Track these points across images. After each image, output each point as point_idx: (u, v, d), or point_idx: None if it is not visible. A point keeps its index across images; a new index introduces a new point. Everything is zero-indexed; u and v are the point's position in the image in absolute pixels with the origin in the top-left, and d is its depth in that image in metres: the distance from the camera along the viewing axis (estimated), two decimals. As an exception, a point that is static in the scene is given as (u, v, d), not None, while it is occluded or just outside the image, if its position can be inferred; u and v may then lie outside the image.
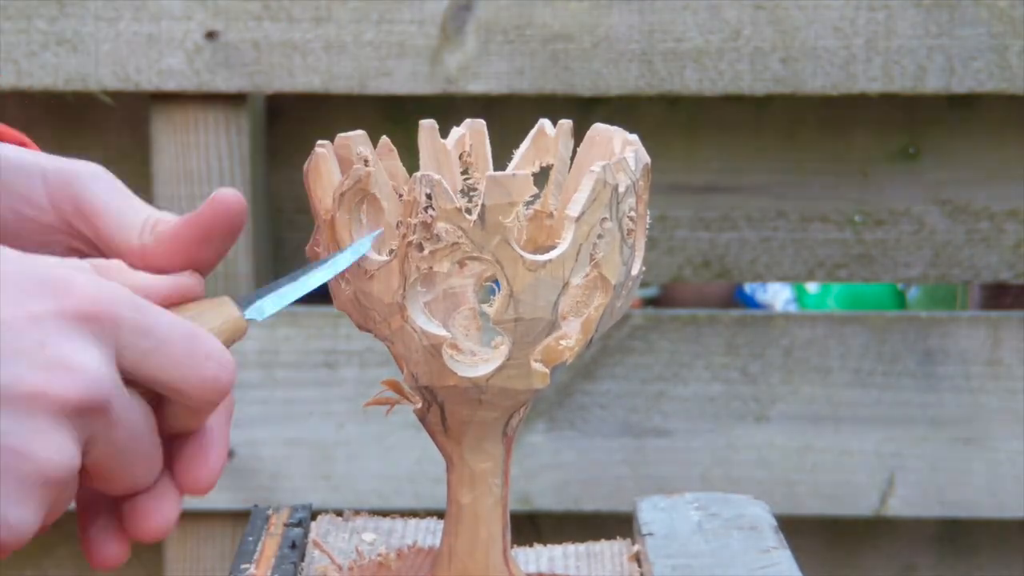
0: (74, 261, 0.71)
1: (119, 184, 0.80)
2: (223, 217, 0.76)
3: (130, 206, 0.78)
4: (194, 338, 0.70)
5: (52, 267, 0.68)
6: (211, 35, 1.62)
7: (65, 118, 1.70)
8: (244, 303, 0.76)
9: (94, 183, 0.79)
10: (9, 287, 0.66)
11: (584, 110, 1.63)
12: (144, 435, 0.70)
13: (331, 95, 1.63)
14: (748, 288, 2.62)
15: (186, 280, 0.75)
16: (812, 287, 2.50)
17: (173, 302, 0.74)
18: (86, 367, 0.66)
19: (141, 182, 1.69)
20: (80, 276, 0.68)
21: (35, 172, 0.79)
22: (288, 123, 1.70)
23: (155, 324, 0.69)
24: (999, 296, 2.09)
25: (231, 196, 0.75)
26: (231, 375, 0.71)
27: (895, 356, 1.65)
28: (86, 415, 0.67)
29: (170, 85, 1.62)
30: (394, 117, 1.66)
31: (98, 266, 0.73)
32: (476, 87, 1.62)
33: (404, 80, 1.62)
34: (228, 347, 0.73)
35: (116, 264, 0.75)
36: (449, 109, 1.64)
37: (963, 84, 1.60)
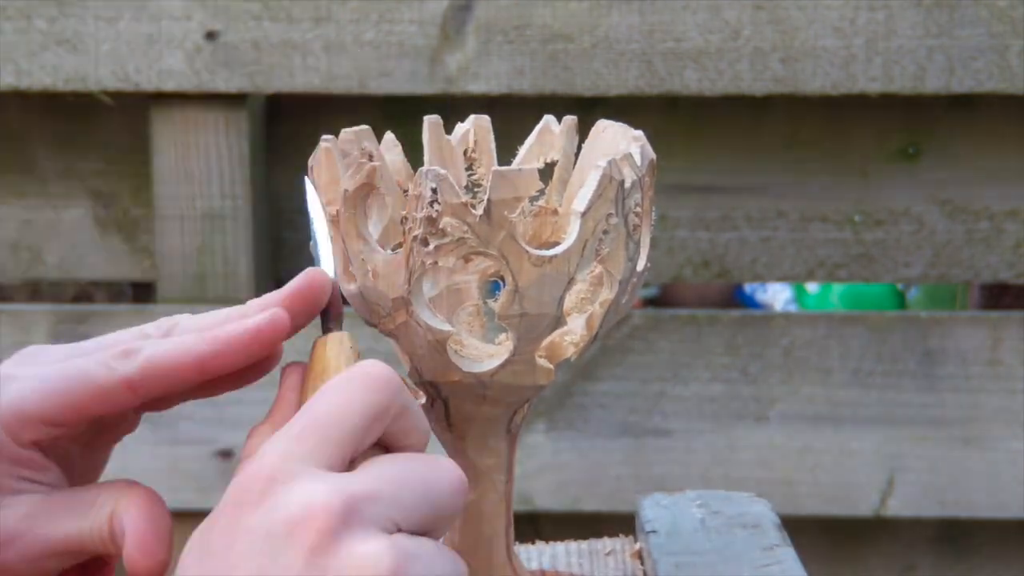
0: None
1: None
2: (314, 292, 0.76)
3: None
4: (427, 482, 0.68)
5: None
6: (211, 35, 1.61)
7: (65, 118, 1.70)
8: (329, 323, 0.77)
9: None
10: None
11: (584, 110, 1.63)
12: None
13: (331, 95, 1.63)
14: (748, 288, 2.62)
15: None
16: (812, 287, 2.50)
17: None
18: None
19: (141, 182, 1.69)
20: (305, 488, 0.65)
21: None
22: (288, 123, 1.70)
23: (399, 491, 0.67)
24: (999, 296, 2.10)
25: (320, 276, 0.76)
26: (466, 485, 0.69)
27: (895, 356, 1.65)
28: None
29: (170, 85, 1.62)
30: (394, 117, 1.66)
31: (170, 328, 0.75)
32: (476, 87, 1.62)
33: (404, 80, 1.62)
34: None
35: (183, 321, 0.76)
36: (449, 109, 1.64)
37: (963, 84, 1.60)
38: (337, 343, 0.74)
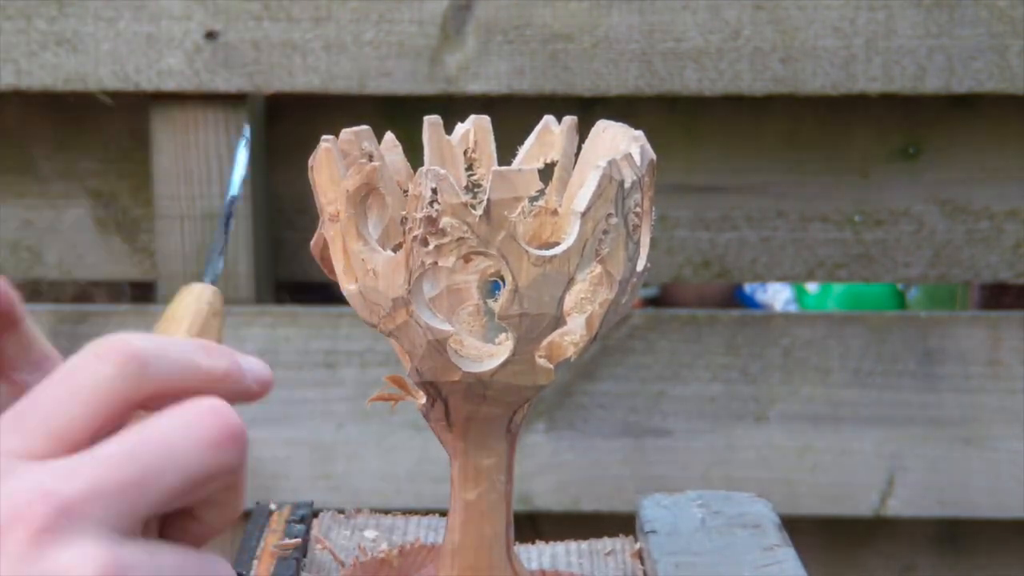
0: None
1: None
2: None
3: None
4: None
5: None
6: (211, 35, 1.61)
7: (65, 118, 1.70)
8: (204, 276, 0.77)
9: None
10: None
11: (584, 110, 1.63)
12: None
13: (331, 95, 1.63)
14: (748, 288, 2.62)
15: None
16: (812, 287, 2.50)
17: None
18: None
19: (141, 182, 1.69)
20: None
21: None
22: (288, 123, 1.70)
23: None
24: (999, 296, 2.10)
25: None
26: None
27: (895, 356, 1.65)
28: None
29: (170, 85, 1.62)
30: (394, 117, 1.66)
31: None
32: (476, 87, 1.62)
33: (404, 80, 1.62)
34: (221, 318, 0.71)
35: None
36: (449, 109, 1.64)
37: (963, 84, 1.60)
38: (195, 295, 0.74)
